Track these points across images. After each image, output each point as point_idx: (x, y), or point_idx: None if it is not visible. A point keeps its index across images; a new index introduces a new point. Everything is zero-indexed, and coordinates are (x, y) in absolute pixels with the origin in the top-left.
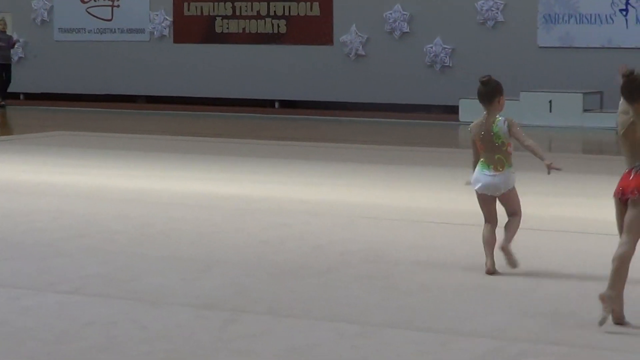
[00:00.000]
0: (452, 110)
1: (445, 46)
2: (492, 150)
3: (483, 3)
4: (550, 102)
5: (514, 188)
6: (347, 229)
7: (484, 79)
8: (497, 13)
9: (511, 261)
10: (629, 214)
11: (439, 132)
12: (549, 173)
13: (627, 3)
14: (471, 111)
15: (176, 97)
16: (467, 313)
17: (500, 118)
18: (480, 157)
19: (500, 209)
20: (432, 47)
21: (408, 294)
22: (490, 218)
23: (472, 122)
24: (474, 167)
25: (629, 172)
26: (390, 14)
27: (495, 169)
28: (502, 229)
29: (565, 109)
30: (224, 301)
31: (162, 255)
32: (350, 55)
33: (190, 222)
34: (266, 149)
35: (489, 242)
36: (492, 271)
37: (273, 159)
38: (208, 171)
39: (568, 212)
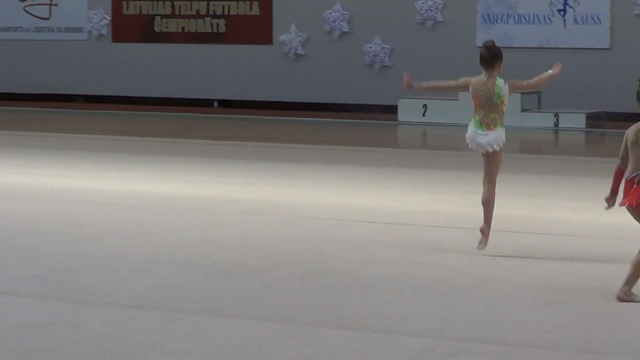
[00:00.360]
0: (391, 110)
1: (384, 46)
2: (489, 108)
3: (422, 3)
4: None
5: (501, 150)
6: (286, 229)
7: (488, 44)
8: (436, 13)
9: (484, 241)
10: None
11: (378, 131)
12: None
13: (565, 3)
14: (410, 111)
15: (115, 96)
16: (403, 312)
17: (500, 79)
18: (475, 114)
19: None
20: (371, 47)
21: (345, 293)
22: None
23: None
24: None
25: (632, 180)
26: (330, 13)
27: (488, 128)
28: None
29: None
30: (161, 301)
31: (98, 255)
32: (290, 55)
33: (127, 222)
34: (205, 149)
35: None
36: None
37: (212, 158)
38: (146, 171)
39: (507, 212)
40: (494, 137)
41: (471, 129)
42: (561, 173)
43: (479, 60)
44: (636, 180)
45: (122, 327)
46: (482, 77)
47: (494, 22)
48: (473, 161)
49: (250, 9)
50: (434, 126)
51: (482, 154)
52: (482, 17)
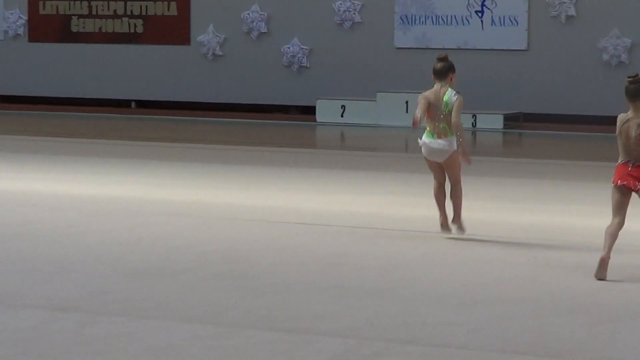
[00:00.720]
0: (309, 111)
1: (302, 46)
2: (438, 118)
3: (340, 4)
4: (406, 102)
5: (455, 152)
6: (204, 230)
7: (441, 56)
8: (354, 14)
9: (462, 228)
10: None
11: (297, 132)
12: (461, 159)
13: (482, 5)
14: (328, 111)
15: (31, 96)
16: (323, 313)
17: (451, 90)
18: (427, 126)
19: None
20: (289, 48)
21: (265, 294)
22: (439, 176)
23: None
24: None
25: (626, 164)
26: (248, 14)
27: (439, 137)
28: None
29: None
30: (80, 302)
31: (16, 257)
32: (208, 55)
33: (45, 223)
34: (123, 149)
35: (438, 197)
36: (445, 225)
37: (130, 159)
38: (64, 172)
39: (425, 213)
40: (445, 144)
41: (424, 140)
42: (479, 174)
43: (432, 73)
44: (630, 164)
45: (41, 329)
46: (435, 88)
47: (412, 23)
48: (391, 162)
49: (168, 10)
50: (352, 127)
51: (440, 163)
52: (400, 18)
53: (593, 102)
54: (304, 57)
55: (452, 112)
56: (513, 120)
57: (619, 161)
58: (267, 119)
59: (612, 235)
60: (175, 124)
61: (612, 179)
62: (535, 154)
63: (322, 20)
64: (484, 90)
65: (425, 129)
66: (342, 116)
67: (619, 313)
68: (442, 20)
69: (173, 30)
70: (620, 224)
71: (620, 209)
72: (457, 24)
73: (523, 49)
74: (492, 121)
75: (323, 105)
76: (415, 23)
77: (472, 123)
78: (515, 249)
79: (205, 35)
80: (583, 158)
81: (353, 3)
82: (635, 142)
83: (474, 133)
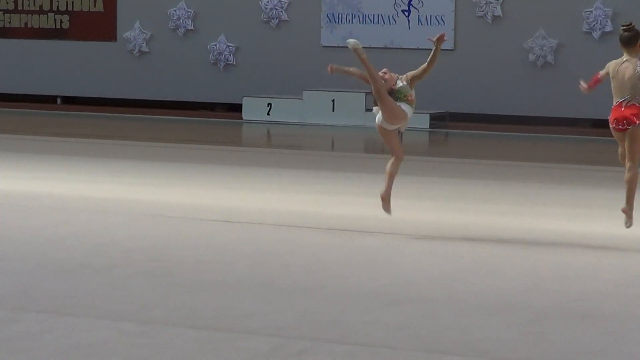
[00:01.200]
0: (236, 109)
1: (229, 44)
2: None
3: (267, 2)
4: (333, 101)
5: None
6: (129, 227)
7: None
8: (281, 12)
9: (388, 208)
10: (629, 142)
11: (223, 130)
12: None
13: (409, 4)
14: (254, 109)
15: None
16: (249, 311)
17: (402, 81)
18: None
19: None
20: (216, 45)
21: (190, 292)
22: (394, 151)
23: None
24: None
25: (620, 105)
26: (175, 11)
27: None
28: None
29: (347, 108)
30: (3, 299)
31: None
32: (134, 52)
33: None
34: (47, 145)
35: (390, 173)
36: (385, 199)
37: (54, 155)
38: None
39: (351, 212)
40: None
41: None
42: (405, 173)
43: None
44: (623, 104)
45: None
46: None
47: (338, 22)
48: (318, 161)
49: (94, 5)
50: (278, 125)
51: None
52: (327, 16)
53: (519, 102)
54: (230, 55)
55: (418, 75)
56: (439, 120)
57: (613, 104)
58: (193, 116)
59: (630, 181)
60: (101, 121)
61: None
62: (461, 154)
63: (249, 18)
64: None
65: None
66: (268, 114)
67: (547, 313)
68: (369, 19)
69: (99, 26)
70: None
71: (621, 145)
72: (384, 23)
73: (449, 48)
74: (419, 120)
75: (249, 103)
76: (341, 22)
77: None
78: (441, 248)
79: (132, 31)
80: (509, 158)
81: (280, 1)
82: (638, 76)
83: (399, 132)
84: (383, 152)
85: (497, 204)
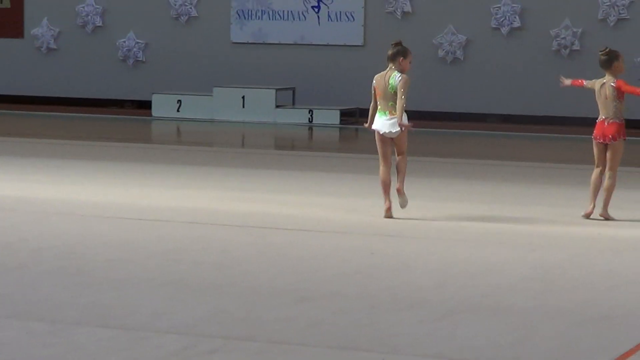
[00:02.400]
0: (145, 105)
1: (138, 41)
2: (386, 97)
3: None
4: (243, 97)
5: (406, 129)
6: (39, 225)
7: (394, 42)
8: (190, 8)
9: (403, 201)
10: (610, 154)
11: (132, 127)
12: (401, 129)
13: (319, 0)
14: (164, 106)
15: None
16: (160, 309)
17: (397, 73)
18: (378, 105)
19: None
20: (125, 42)
21: (101, 291)
22: (385, 159)
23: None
24: (371, 112)
25: (603, 122)
26: (83, 7)
27: (390, 114)
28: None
29: (258, 104)
30: None
31: None
32: (42, 49)
33: None
34: None
35: (385, 183)
36: (389, 211)
37: None
38: None
39: (259, 208)
40: (395, 121)
41: (377, 118)
42: (315, 169)
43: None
44: (606, 121)
45: None
46: (385, 71)
47: (248, 18)
48: (228, 157)
49: (1, 2)
50: (188, 122)
51: (388, 136)
52: (237, 12)
53: (428, 97)
54: (139, 51)
55: (397, 92)
56: (349, 116)
57: (598, 119)
58: (103, 113)
59: (608, 189)
60: (9, 118)
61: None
62: (371, 150)
63: (158, 14)
64: (320, 85)
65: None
66: (178, 111)
67: (457, 308)
68: (279, 15)
69: (6, 23)
70: (602, 171)
71: (599, 159)
72: (294, 19)
73: (359, 44)
74: (329, 116)
75: (159, 99)
76: (251, 18)
77: (309, 118)
78: (353, 244)
79: (39, 28)
80: (418, 154)
81: None
82: (614, 97)
83: (310, 129)
84: (293, 148)
85: (409, 200)
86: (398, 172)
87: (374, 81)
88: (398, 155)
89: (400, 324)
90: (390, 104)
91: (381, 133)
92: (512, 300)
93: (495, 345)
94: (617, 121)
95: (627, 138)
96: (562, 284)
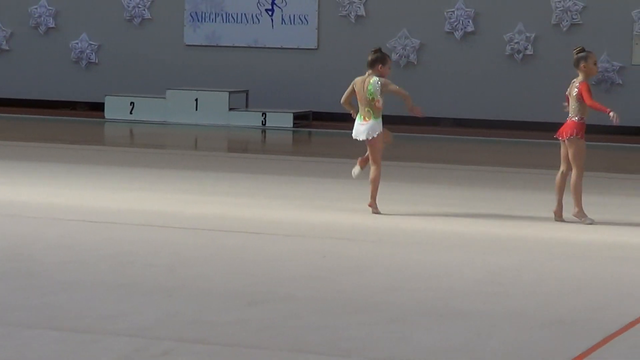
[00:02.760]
0: (98, 107)
1: (91, 42)
2: (363, 102)
3: (130, 0)
4: (196, 100)
5: (379, 136)
6: None
7: (373, 49)
8: (144, 10)
9: (376, 212)
10: (570, 151)
11: (85, 129)
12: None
13: (272, 3)
14: (117, 108)
15: None
16: (111, 312)
17: (375, 78)
18: (358, 109)
19: None
20: (78, 43)
21: (51, 293)
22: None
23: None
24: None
25: (569, 119)
26: (36, 8)
27: (364, 119)
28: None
29: (211, 107)
30: None
31: None
32: None
33: None
34: None
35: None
36: (375, 208)
37: None
38: None
39: (218, 211)
40: (366, 127)
41: (355, 121)
42: (268, 172)
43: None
44: (568, 119)
45: None
46: (364, 76)
47: (201, 21)
48: (181, 160)
49: None
50: (141, 124)
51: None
52: (190, 15)
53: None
54: (92, 53)
55: (389, 89)
56: (303, 119)
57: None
58: (55, 115)
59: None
60: None
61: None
62: (325, 153)
63: (111, 16)
64: (274, 88)
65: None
66: (131, 113)
67: (409, 311)
68: (232, 18)
69: None
70: (565, 171)
71: (562, 159)
72: (248, 22)
73: (313, 47)
74: (282, 120)
75: (112, 101)
76: (205, 20)
77: (262, 121)
78: (305, 247)
79: None
80: None
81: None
82: (575, 97)
83: (263, 132)
84: (246, 151)
85: (358, 202)
86: (371, 187)
87: (355, 84)
88: (372, 166)
89: (353, 327)
90: (366, 109)
91: (354, 137)
92: (465, 303)
93: (448, 349)
94: (576, 120)
95: (584, 139)
96: (516, 288)
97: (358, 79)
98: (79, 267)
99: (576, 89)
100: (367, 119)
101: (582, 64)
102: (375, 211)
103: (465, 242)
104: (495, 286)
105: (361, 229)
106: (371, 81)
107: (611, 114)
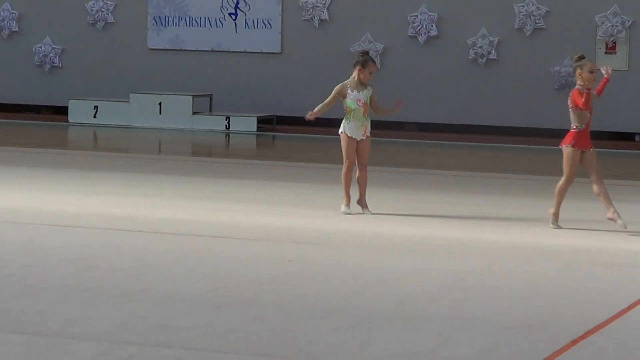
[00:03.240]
0: (62, 111)
1: (55, 46)
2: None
3: (93, 4)
4: (160, 104)
5: (368, 138)
6: None
7: (360, 52)
8: (107, 14)
9: (366, 211)
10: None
11: (48, 132)
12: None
13: (236, 7)
14: (80, 112)
15: None
16: (75, 316)
17: (370, 89)
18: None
19: None
20: (41, 47)
21: (15, 297)
22: (351, 159)
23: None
24: (322, 106)
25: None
26: None
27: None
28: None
29: (175, 111)
30: None
31: None
32: None
33: None
34: None
35: (347, 180)
36: (348, 204)
37: None
38: None
39: (177, 215)
40: (367, 127)
41: (345, 120)
42: (233, 176)
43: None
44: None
45: None
46: (348, 80)
47: (165, 25)
48: (145, 164)
49: None
50: (105, 128)
51: (352, 139)
52: (154, 19)
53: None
54: (56, 57)
55: (374, 106)
56: (266, 123)
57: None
58: (18, 118)
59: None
60: None
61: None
62: (288, 157)
63: (75, 19)
64: (237, 92)
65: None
66: (95, 117)
67: (373, 316)
68: (196, 22)
69: None
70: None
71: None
72: (211, 26)
73: (276, 51)
74: (246, 124)
75: (75, 105)
76: (168, 24)
77: (226, 125)
78: (270, 251)
79: None
80: (334, 161)
81: (106, 3)
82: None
83: (227, 135)
84: (210, 155)
85: (326, 208)
86: (359, 186)
87: (344, 89)
88: (360, 167)
89: (316, 332)
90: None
91: (350, 136)
92: (428, 308)
93: (411, 353)
94: (571, 128)
95: (576, 147)
96: (478, 292)
97: (344, 83)
98: (42, 271)
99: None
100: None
101: (577, 71)
102: (365, 208)
103: (429, 246)
104: (458, 291)
105: (326, 233)
106: (364, 92)
107: (603, 70)
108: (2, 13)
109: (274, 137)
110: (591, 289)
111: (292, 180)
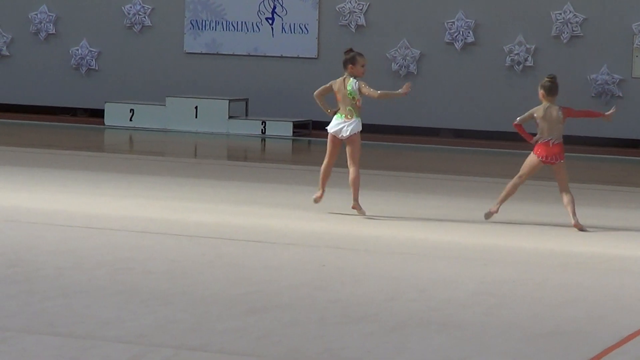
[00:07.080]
0: (98, 114)
1: (91, 49)
2: (345, 102)
3: (130, 7)
4: (196, 107)
5: (358, 134)
6: None
7: (345, 51)
8: (144, 17)
9: (361, 213)
10: (558, 174)
11: (84, 135)
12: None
13: (273, 12)
14: (116, 115)
15: None
16: (109, 318)
17: (353, 80)
18: (339, 107)
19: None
20: (78, 50)
21: (49, 299)
22: (331, 157)
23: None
24: (319, 99)
25: (547, 142)
26: (36, 14)
27: (346, 117)
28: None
29: (211, 115)
30: None
31: None
32: None
33: None
34: None
35: (325, 174)
36: (318, 201)
37: None
38: None
39: (215, 219)
40: (351, 125)
41: (334, 119)
42: (268, 181)
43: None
44: (550, 142)
45: None
46: (342, 77)
47: (202, 29)
48: (180, 167)
49: None
50: (141, 131)
51: (343, 139)
52: (191, 23)
53: (382, 111)
54: (92, 60)
55: (370, 95)
56: (302, 128)
57: (542, 140)
58: (55, 121)
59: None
60: None
61: (537, 153)
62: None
63: (112, 23)
64: (273, 97)
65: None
66: (131, 120)
67: (407, 322)
68: (233, 26)
69: None
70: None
71: (529, 174)
72: (248, 30)
73: (313, 56)
74: (282, 128)
75: (112, 108)
76: (205, 28)
77: (262, 130)
78: (304, 256)
79: None
80: (370, 167)
81: (143, 6)
82: (561, 120)
83: (262, 140)
84: (246, 160)
85: (355, 212)
86: (352, 188)
87: (335, 85)
88: (351, 167)
89: (350, 337)
90: (348, 108)
91: (331, 133)
92: (462, 314)
93: (445, 359)
94: (561, 142)
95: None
96: (512, 299)
97: (338, 80)
98: (77, 273)
99: (559, 113)
100: (349, 117)
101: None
102: (361, 212)
103: (463, 252)
104: (492, 297)
105: (361, 239)
106: (349, 82)
107: (612, 110)
108: (39, 15)
109: (309, 142)
110: (625, 297)
111: (328, 185)
